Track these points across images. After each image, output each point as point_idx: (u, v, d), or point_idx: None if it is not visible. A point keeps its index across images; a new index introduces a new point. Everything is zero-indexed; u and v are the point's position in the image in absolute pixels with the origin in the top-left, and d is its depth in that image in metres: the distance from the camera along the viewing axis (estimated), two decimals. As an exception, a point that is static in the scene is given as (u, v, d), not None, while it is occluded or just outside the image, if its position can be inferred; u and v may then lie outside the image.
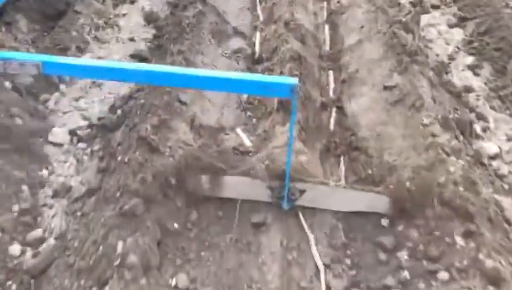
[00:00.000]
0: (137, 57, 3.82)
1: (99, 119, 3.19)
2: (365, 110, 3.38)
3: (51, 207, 2.60)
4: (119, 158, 2.67)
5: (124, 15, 4.40)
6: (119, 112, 3.22)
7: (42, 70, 2.17)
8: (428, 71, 3.25)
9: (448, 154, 2.52)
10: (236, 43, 4.22)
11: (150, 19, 4.35)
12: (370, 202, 2.60)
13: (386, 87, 3.35)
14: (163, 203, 2.52)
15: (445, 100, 3.21)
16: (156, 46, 3.93)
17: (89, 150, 2.99)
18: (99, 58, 3.79)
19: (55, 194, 2.66)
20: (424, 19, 4.40)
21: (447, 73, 3.54)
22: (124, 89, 3.48)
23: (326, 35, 4.51)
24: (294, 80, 2.05)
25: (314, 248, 2.49)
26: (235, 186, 2.61)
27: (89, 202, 2.55)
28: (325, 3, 5.01)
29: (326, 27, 4.61)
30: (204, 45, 3.81)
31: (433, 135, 2.68)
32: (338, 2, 4.83)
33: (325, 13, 4.86)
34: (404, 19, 3.76)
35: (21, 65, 2.19)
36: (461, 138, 2.95)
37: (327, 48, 4.36)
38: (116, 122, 3.12)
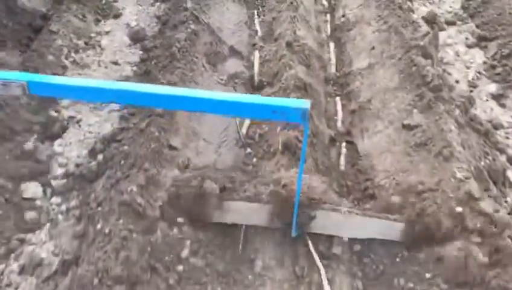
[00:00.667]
0: (122, 85, 3.37)
1: (77, 166, 2.75)
2: (381, 152, 2.98)
3: (16, 288, 2.18)
4: (98, 225, 2.24)
5: (107, 33, 3.94)
6: (100, 157, 2.78)
7: (28, 91, 1.88)
8: (455, 109, 2.85)
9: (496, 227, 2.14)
10: (233, 65, 3.79)
11: (136, 37, 3.89)
12: (384, 230, 2.39)
13: (405, 126, 2.95)
14: (150, 282, 2.11)
15: (473, 142, 2.82)
16: (143, 71, 3.48)
17: (64, 207, 2.56)
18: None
19: (23, 270, 2.24)
20: (440, 37, 4.01)
21: (471, 104, 3.14)
22: (106, 126, 3.04)
23: (331, 55, 4.09)
24: (305, 104, 1.82)
25: (325, 282, 2.24)
26: (239, 211, 2.40)
27: (63, 283, 2.13)
28: (328, 16, 4.60)
29: (332, 45, 4.19)
30: (198, 72, 3.37)
31: (471, 196, 2.29)
32: (343, 16, 4.41)
33: (329, 28, 4.45)
34: (421, 43, 3.35)
35: (3, 85, 1.86)
36: (495, 190, 2.57)
37: (333, 69, 3.95)
38: (97, 171, 2.69)
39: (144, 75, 3.42)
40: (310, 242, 2.37)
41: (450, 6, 4.36)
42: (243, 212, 2.40)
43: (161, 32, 3.84)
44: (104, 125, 3.04)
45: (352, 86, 3.65)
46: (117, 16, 4.17)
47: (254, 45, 4.09)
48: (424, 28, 4.00)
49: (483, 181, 2.51)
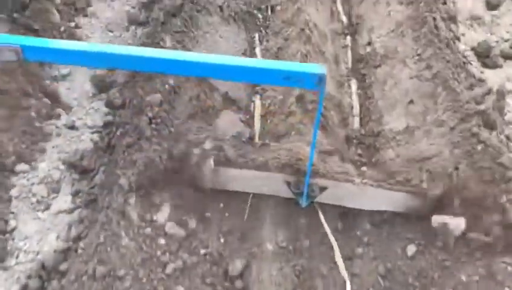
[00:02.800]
0: (76, 167, 2.51)
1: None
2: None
3: None
4: None
5: (64, 77, 3.03)
6: (33, 304, 1.96)
7: (22, 56, 1.77)
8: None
9: None
10: (227, 122, 2.90)
11: (101, 84, 2.99)
12: (398, 202, 2.30)
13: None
14: None
15: None
16: (105, 144, 2.59)
17: None
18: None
19: None
20: (493, 77, 3.08)
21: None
22: (50, 240, 2.20)
23: (354, 101, 3.19)
24: (321, 68, 1.74)
25: (338, 254, 2.23)
26: (248, 180, 2.32)
27: None
28: (348, 39, 3.64)
29: (354, 85, 3.28)
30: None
31: None
32: (369, 43, 3.46)
33: (349, 57, 3.51)
34: (483, 108, 2.44)
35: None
36: None
37: (356, 124, 3.05)
38: (27, 331, 1.88)
39: (107, 150, 2.55)
40: (320, 213, 2.32)
41: (507, 31, 3.38)
42: (252, 181, 2.28)
43: (132, 79, 2.93)
44: (47, 239, 2.20)
45: (383, 155, 2.77)
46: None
47: (255, 86, 3.21)
48: (478, 70, 3.08)
49: None
